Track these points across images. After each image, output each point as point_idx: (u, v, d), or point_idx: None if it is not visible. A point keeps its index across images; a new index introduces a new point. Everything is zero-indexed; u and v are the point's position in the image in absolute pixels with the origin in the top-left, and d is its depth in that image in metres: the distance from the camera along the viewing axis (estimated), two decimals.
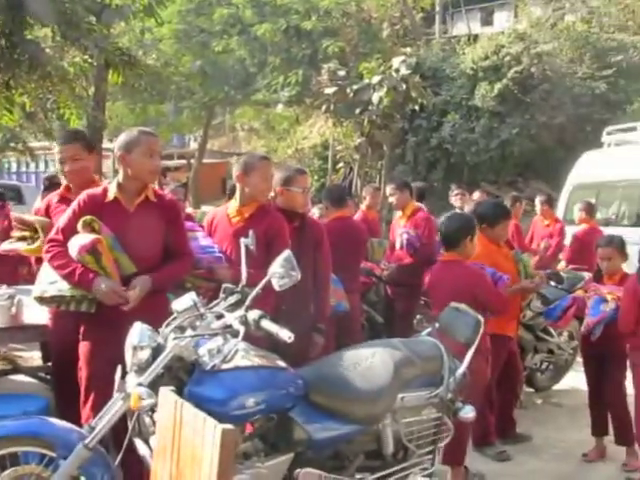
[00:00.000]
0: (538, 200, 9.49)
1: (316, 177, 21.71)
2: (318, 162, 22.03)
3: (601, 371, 5.16)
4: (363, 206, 7.75)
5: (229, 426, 2.09)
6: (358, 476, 3.43)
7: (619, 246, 5.14)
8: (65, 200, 4.22)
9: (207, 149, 26.77)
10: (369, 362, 3.56)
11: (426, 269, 6.54)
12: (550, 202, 9.64)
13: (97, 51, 11.32)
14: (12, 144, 17.93)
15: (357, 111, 15.09)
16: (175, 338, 3.02)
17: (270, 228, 4.22)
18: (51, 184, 7.25)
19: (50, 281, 3.69)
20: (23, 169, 27.01)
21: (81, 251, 3.54)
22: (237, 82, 21.96)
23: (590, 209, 9.10)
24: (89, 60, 12.75)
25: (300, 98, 20.31)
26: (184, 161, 28.03)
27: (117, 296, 3.53)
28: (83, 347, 3.73)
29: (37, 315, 4.27)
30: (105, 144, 20.85)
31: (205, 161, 25.33)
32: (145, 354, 3.02)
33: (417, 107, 15.98)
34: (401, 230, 6.76)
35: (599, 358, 5.10)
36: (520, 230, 8.68)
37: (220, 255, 4.26)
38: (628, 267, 5.48)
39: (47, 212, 4.35)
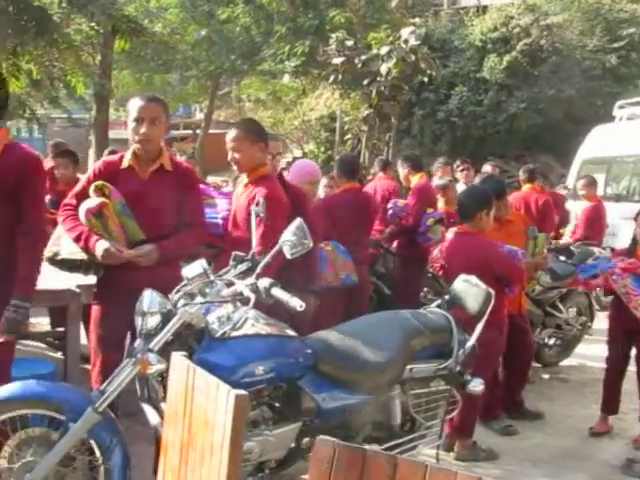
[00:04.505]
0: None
1: (323, 149, 21.62)
2: (325, 134, 21.92)
3: (628, 348, 5.10)
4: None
5: (242, 392, 2.08)
6: (365, 446, 3.42)
7: None
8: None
9: (213, 119, 26.63)
10: (378, 333, 3.55)
11: (417, 238, 6.60)
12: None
13: (104, 18, 11.24)
14: (19, 111, 17.81)
15: (365, 82, 14.94)
16: (185, 305, 3.01)
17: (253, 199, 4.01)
18: (59, 151, 7.24)
19: (63, 244, 3.70)
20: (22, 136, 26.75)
21: (87, 214, 3.55)
22: (243, 52, 21.78)
23: (594, 184, 9.02)
24: (95, 27, 12.67)
25: (307, 69, 20.12)
26: (190, 131, 27.90)
27: (114, 257, 3.50)
28: (94, 311, 3.74)
29: (47, 280, 4.26)
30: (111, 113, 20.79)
31: (211, 132, 25.18)
32: (155, 320, 3.01)
33: (425, 79, 15.81)
34: (391, 203, 6.89)
35: (629, 334, 5.03)
36: (549, 204, 8.30)
37: (217, 222, 4.23)
38: None
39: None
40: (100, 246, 3.49)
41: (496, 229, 5.09)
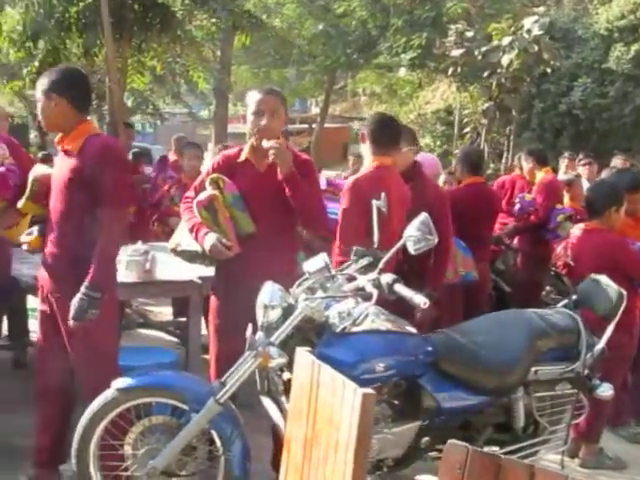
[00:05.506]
0: None
1: (439, 142, 21.34)
2: (441, 127, 21.64)
3: None
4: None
5: (370, 391, 2.03)
6: (486, 449, 3.32)
7: None
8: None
9: (329, 113, 26.77)
10: (502, 332, 3.45)
11: (545, 235, 6.39)
12: None
13: (225, 14, 11.45)
14: (143, 107, 18.52)
15: (485, 74, 14.61)
16: (306, 299, 2.99)
17: None
18: (185, 143, 7.45)
19: (184, 235, 3.78)
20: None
21: (198, 206, 3.59)
22: (359, 45, 21.79)
23: None
24: (216, 23, 12.95)
25: (423, 62, 19.89)
26: (306, 125, 28.16)
27: (220, 252, 3.51)
28: (212, 301, 3.79)
29: (170, 271, 4.37)
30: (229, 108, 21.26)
31: (327, 125, 25.34)
32: (276, 314, 3.01)
33: (548, 70, 15.33)
34: (519, 197, 6.74)
35: None
36: None
37: (336, 218, 4.22)
38: None
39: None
40: (208, 240, 3.52)
41: (632, 226, 4.86)
